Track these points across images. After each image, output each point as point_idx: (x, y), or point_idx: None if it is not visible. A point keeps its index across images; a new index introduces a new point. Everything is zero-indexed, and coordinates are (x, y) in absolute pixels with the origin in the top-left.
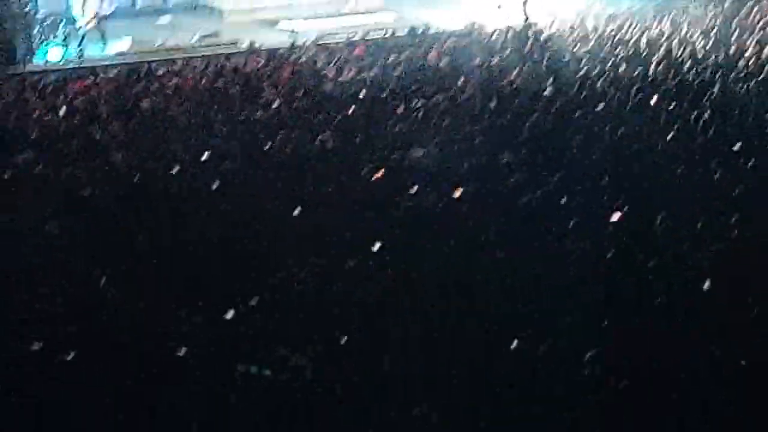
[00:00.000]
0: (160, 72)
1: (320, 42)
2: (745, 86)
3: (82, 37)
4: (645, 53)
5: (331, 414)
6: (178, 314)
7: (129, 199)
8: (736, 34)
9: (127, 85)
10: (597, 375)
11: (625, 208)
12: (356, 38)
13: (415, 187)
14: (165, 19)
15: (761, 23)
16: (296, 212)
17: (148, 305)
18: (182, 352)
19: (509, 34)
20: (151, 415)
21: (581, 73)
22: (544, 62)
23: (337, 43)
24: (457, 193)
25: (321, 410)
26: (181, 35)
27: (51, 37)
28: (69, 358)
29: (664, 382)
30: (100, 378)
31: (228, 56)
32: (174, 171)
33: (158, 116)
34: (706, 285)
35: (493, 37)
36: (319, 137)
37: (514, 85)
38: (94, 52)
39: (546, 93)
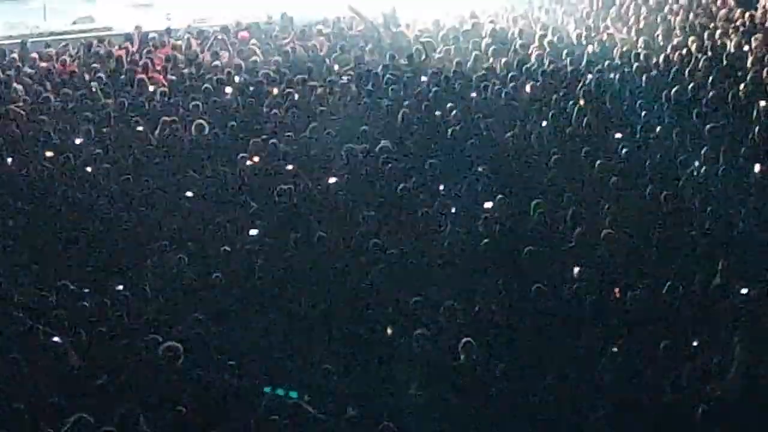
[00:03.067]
0: (34, 55)
1: (195, 26)
2: (618, 75)
3: None
4: (520, 42)
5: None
6: (44, 294)
7: (2, 182)
8: (609, 23)
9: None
10: (470, 362)
11: (499, 196)
12: (230, 24)
13: (291, 172)
14: (38, 3)
15: (634, 13)
16: (171, 196)
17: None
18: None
19: (379, 22)
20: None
21: (455, 61)
22: (416, 50)
23: (212, 27)
24: (332, 180)
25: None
26: (54, 19)
27: None
28: None
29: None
30: None
31: (102, 40)
32: (47, 154)
33: (31, 100)
34: (575, 271)
35: (364, 26)
36: (195, 122)
37: (389, 74)
38: None
39: (421, 80)
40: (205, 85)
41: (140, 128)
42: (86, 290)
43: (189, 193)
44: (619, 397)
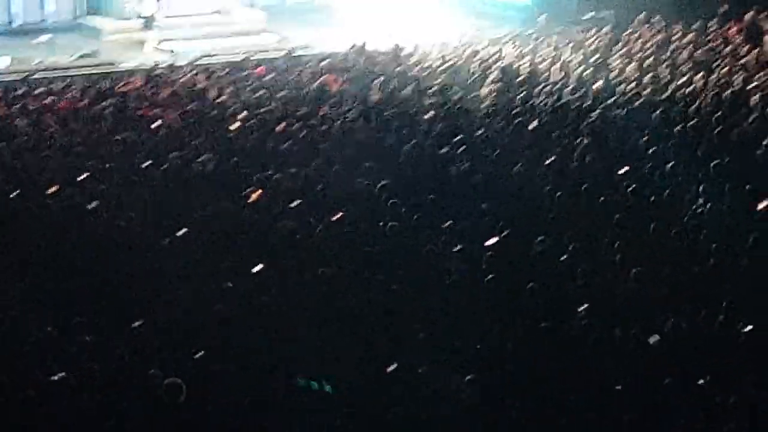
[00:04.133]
0: (38, 91)
1: (199, 63)
2: (625, 112)
3: None
4: (525, 78)
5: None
6: (51, 334)
7: (5, 217)
8: (616, 59)
9: (3, 103)
10: (483, 399)
11: (504, 233)
12: (237, 59)
13: (294, 208)
14: (44, 38)
15: (641, 49)
16: (175, 233)
17: (19, 324)
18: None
19: (385, 59)
20: None
21: (459, 96)
22: (424, 87)
23: (217, 63)
24: (335, 217)
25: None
26: (59, 54)
27: None
28: None
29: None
30: None
31: (106, 76)
32: (51, 191)
33: (35, 135)
34: (582, 308)
35: (372, 60)
36: (198, 158)
37: (395, 109)
38: None
39: (426, 117)
40: (210, 121)
41: (145, 164)
42: (90, 326)
43: (190, 230)
44: None
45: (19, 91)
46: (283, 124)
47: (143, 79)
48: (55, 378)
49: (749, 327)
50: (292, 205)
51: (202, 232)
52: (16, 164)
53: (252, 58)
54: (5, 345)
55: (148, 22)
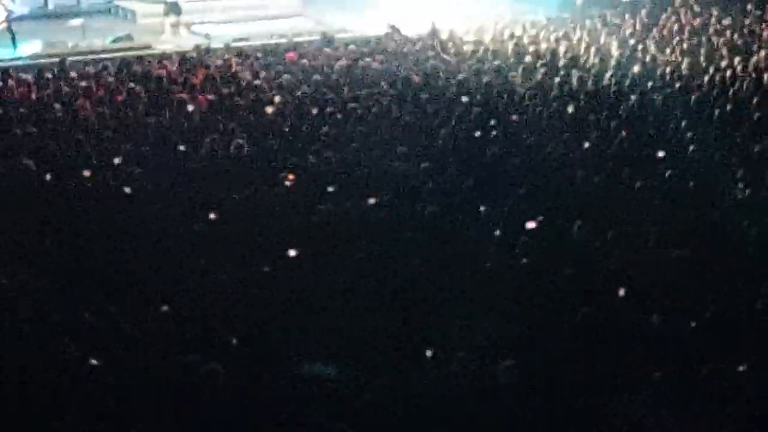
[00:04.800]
0: (73, 74)
1: (234, 46)
2: (662, 96)
3: None
4: (562, 62)
5: (242, 415)
6: (87, 317)
7: (41, 201)
8: (653, 43)
9: (38, 87)
10: (513, 382)
11: (541, 217)
12: (270, 42)
13: (330, 192)
14: (77, 22)
15: (677, 33)
16: (210, 217)
17: (58, 306)
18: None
19: (421, 43)
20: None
21: (497, 81)
22: (458, 70)
23: (251, 46)
24: (372, 200)
25: (232, 414)
26: (93, 38)
27: None
28: None
29: (579, 386)
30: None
31: (141, 59)
32: (87, 174)
33: (70, 119)
34: (622, 292)
35: (407, 45)
36: (234, 141)
37: (430, 93)
38: (4, 53)
39: (462, 101)
40: (245, 105)
41: (181, 147)
42: (124, 311)
43: (226, 214)
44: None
45: (54, 75)
46: (318, 108)
47: (178, 62)
48: (85, 364)
49: None
50: (330, 189)
51: (237, 217)
52: (50, 148)
53: (286, 42)
54: (33, 328)
55: (172, 8)
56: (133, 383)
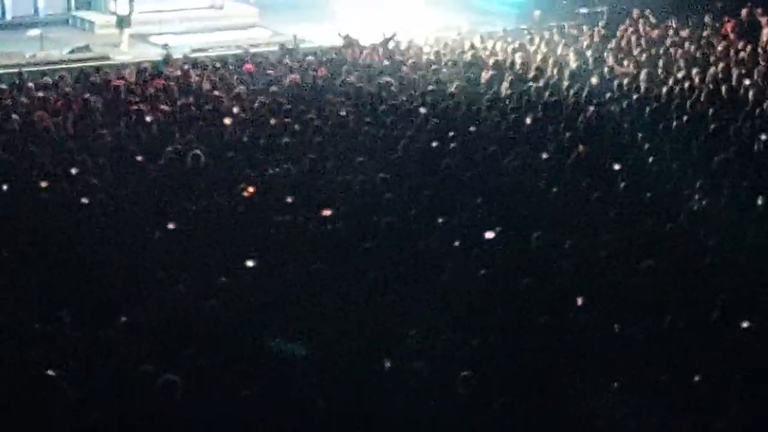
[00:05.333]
0: (30, 85)
1: (192, 57)
2: (619, 108)
3: None
4: (520, 73)
5: (199, 425)
6: (43, 329)
7: None
8: (610, 54)
9: None
10: (472, 394)
11: (498, 228)
12: (228, 53)
13: (288, 204)
14: (35, 32)
15: (635, 44)
16: (168, 227)
17: (13, 316)
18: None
19: (378, 52)
20: None
21: (455, 92)
22: (417, 80)
23: (209, 57)
24: (326, 212)
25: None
26: (51, 48)
27: None
28: None
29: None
30: None
31: (99, 69)
32: (43, 185)
33: (27, 129)
34: (579, 302)
35: (365, 56)
36: (191, 152)
37: (388, 104)
38: None
39: (421, 111)
40: (203, 116)
41: (138, 158)
42: (81, 321)
43: (184, 225)
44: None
45: (11, 85)
46: (275, 119)
47: (135, 72)
48: (46, 374)
49: (747, 324)
50: (288, 200)
51: (194, 227)
52: (6, 158)
53: (243, 52)
54: None
55: (123, 21)
56: (90, 394)
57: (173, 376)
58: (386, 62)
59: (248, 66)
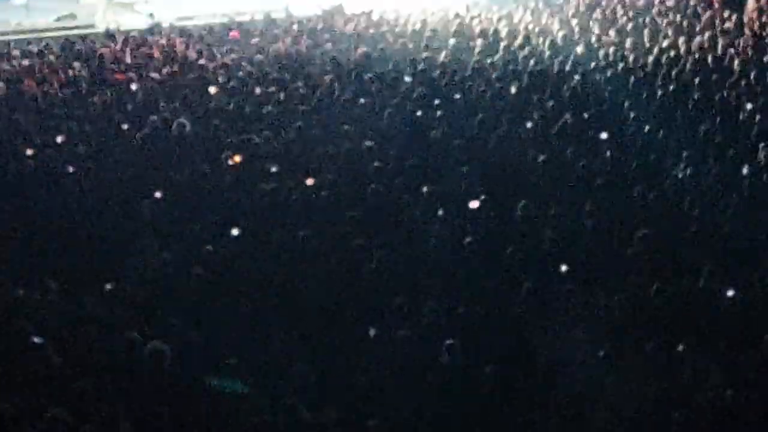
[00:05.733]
0: (16, 53)
1: (178, 25)
2: (605, 77)
3: None
4: (505, 42)
5: (186, 394)
6: (29, 297)
7: None
8: (596, 24)
9: None
10: (458, 362)
11: (484, 196)
12: (214, 21)
13: (274, 172)
14: (21, 1)
15: (621, 14)
16: (153, 195)
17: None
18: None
19: (359, 21)
20: None
21: (441, 61)
22: (401, 50)
23: (197, 25)
24: (310, 181)
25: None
26: (37, 17)
27: None
28: None
29: (526, 367)
30: None
31: (84, 37)
32: (29, 152)
33: (13, 97)
34: (564, 268)
35: (350, 24)
36: (177, 121)
37: (373, 72)
38: None
39: (406, 80)
40: (189, 84)
41: (123, 126)
42: (67, 289)
43: (169, 193)
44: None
45: None
46: (261, 88)
47: (121, 41)
48: (31, 342)
49: (731, 293)
50: (273, 169)
51: (179, 195)
52: None
53: (229, 21)
54: None
55: None
56: (78, 361)
57: (161, 344)
58: (372, 30)
59: (234, 33)
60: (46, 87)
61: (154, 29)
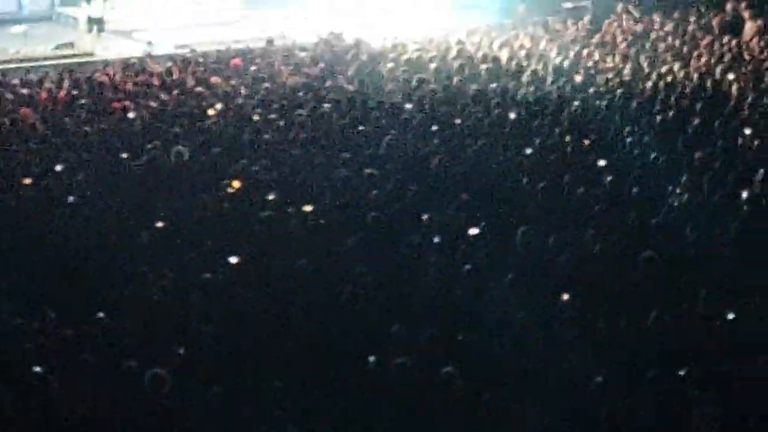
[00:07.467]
0: (15, 81)
1: (177, 53)
2: (604, 103)
3: None
4: (504, 69)
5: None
6: (28, 326)
7: None
8: (594, 50)
9: None
10: (454, 387)
11: (482, 223)
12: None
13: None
14: (20, 28)
15: (620, 40)
16: (152, 224)
17: None
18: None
19: (362, 48)
20: None
21: (440, 87)
22: (404, 77)
23: (193, 52)
24: (309, 208)
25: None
26: (35, 45)
27: None
28: None
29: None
30: None
31: (83, 66)
32: (27, 182)
33: (12, 126)
34: (565, 297)
35: (346, 52)
36: (175, 149)
37: (373, 100)
38: None
39: (406, 108)
40: (187, 112)
41: (122, 155)
42: (66, 318)
43: (167, 221)
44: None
45: None
46: (260, 115)
47: (120, 69)
48: (32, 371)
49: (731, 317)
50: (271, 196)
51: (178, 224)
52: None
53: (227, 49)
54: None
55: (96, 25)
56: (77, 389)
57: (162, 371)
58: (364, 57)
59: (236, 61)
60: (45, 115)
61: (152, 57)
